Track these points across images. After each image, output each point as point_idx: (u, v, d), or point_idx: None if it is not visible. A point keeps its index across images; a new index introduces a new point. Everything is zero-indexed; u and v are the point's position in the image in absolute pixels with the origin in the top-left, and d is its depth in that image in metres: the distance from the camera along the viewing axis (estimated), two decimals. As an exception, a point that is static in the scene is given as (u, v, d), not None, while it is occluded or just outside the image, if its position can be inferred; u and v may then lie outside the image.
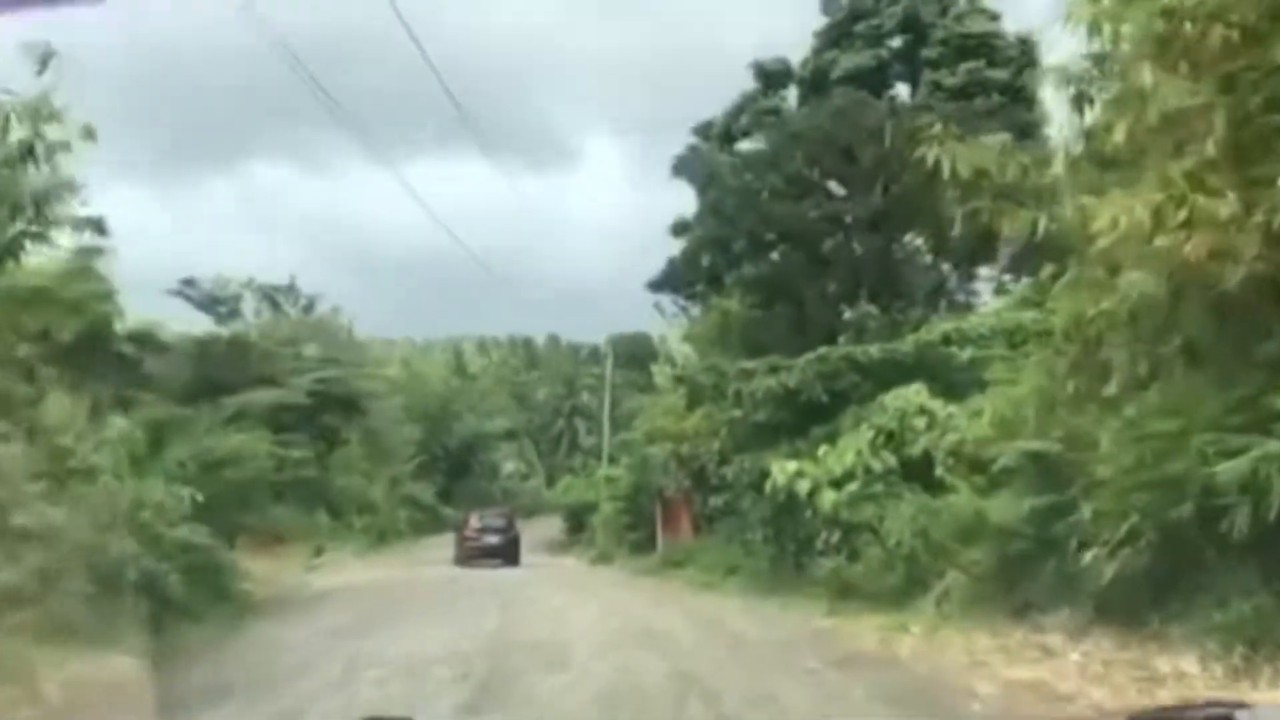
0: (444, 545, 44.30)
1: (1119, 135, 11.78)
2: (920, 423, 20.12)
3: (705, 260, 32.44)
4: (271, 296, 47.32)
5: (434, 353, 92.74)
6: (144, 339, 22.12)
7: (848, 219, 28.10)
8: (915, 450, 19.90)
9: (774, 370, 23.34)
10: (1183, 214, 9.78)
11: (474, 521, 38.98)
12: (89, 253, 22.35)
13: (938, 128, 13.39)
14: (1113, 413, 12.51)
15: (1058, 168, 13.05)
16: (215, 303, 46.54)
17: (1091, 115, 12.94)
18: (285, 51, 19.66)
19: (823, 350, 22.71)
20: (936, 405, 20.36)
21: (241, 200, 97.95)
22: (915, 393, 20.59)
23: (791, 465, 20.48)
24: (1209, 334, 11.41)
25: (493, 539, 36.79)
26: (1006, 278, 29.86)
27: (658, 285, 46.05)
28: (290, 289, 48.39)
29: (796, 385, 22.65)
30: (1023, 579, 15.30)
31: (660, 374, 55.51)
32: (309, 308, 48.42)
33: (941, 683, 11.29)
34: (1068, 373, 14.17)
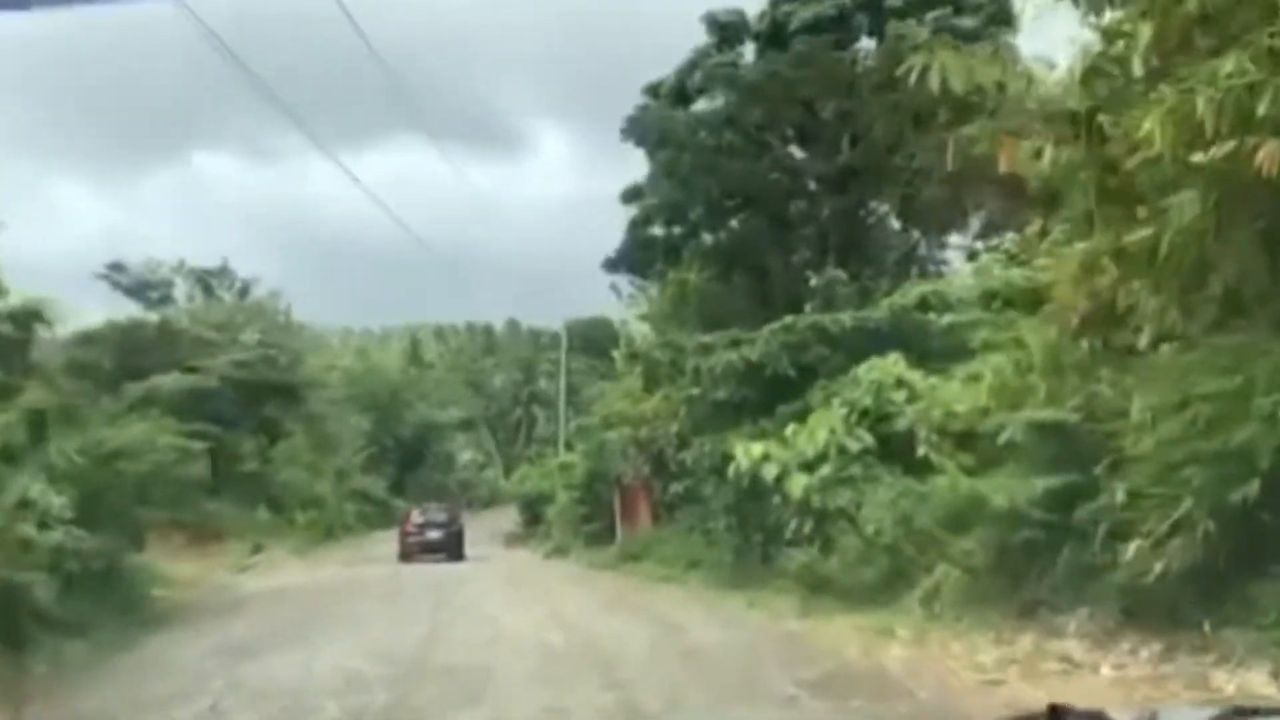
0: (393, 540, 41.82)
1: (1143, 37, 9.64)
2: (899, 396, 17.93)
3: (659, 229, 30.13)
4: (204, 280, 44.51)
5: (390, 342, 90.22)
6: (27, 319, 19.46)
7: (812, 179, 25.90)
8: (894, 427, 17.71)
9: (735, 344, 21.11)
10: (1265, 103, 7.55)
11: (415, 516, 37.65)
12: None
13: (925, 36, 11.08)
14: (1143, 373, 10.33)
15: (1071, 77, 10.78)
16: (145, 288, 43.71)
17: (1110, 16, 10.72)
18: (217, 41, 17.20)
19: (788, 320, 20.47)
20: (916, 377, 18.19)
21: (184, 192, 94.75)
22: (893, 363, 18.41)
23: (757, 447, 18.23)
24: (1267, 271, 9.23)
25: (434, 534, 35.44)
26: (978, 244, 27.84)
27: (613, 265, 44.18)
28: (224, 271, 45.65)
29: (760, 359, 20.42)
30: (1029, 573, 13.14)
31: (619, 357, 53.39)
32: (245, 291, 45.63)
33: (957, 713, 9.07)
34: (1079, 329, 12.02)
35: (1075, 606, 11.94)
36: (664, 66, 28.75)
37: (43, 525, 15.31)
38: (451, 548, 34.68)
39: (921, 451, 16.71)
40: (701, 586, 21.11)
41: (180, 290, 44.93)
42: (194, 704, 10.16)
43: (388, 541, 41.09)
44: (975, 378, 14.10)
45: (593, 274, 36.93)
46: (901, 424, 17.51)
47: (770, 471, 17.87)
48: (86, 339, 39.90)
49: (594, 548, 32.13)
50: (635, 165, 30.60)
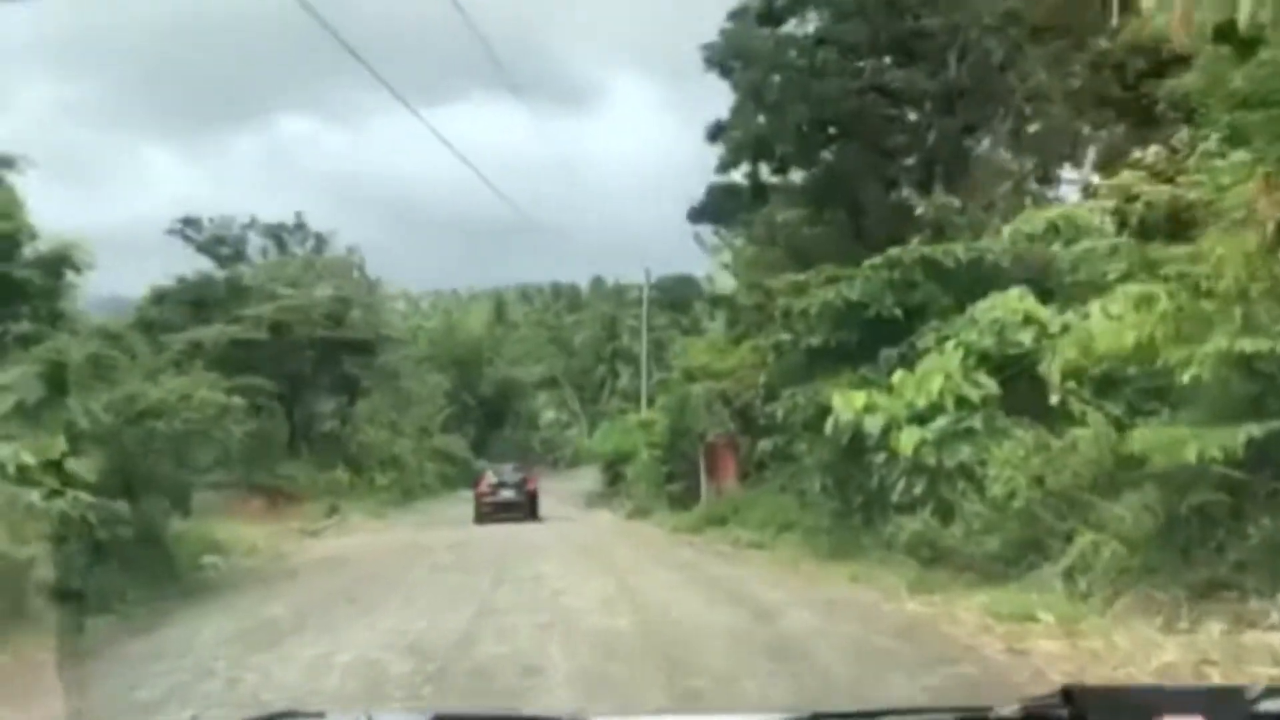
0: (472, 501, 40.41)
1: None
2: (1025, 336, 15.27)
3: (745, 168, 27.54)
4: (277, 235, 43.02)
5: (476, 304, 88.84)
6: (56, 265, 17.70)
7: (915, 102, 23.10)
8: (1021, 372, 15.09)
9: (832, 281, 18.56)
10: None
11: (489, 477, 36.52)
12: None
13: None
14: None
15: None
16: (218, 244, 42.38)
17: None
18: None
19: (892, 252, 17.81)
20: (1045, 313, 15.52)
21: (268, 155, 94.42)
22: (1017, 298, 15.73)
23: (859, 397, 15.70)
24: None
25: (508, 494, 34.53)
26: (1094, 178, 24.79)
27: (697, 214, 42.16)
28: (298, 227, 44.11)
29: (860, 298, 17.86)
30: (1204, 545, 10.58)
31: (703, 308, 50.98)
32: (319, 247, 44.05)
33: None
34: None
35: (1276, 589, 9.38)
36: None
37: (53, 492, 13.50)
38: (525, 508, 33.65)
39: (1055, 399, 14.10)
40: (795, 555, 18.74)
41: (254, 246, 43.59)
42: (170, 714, 8.16)
43: (466, 502, 39.49)
44: (1142, 302, 11.38)
45: (678, 230, 34.78)
46: (1029, 368, 14.89)
47: (875, 425, 15.37)
48: (159, 297, 38.83)
49: (677, 509, 29.94)
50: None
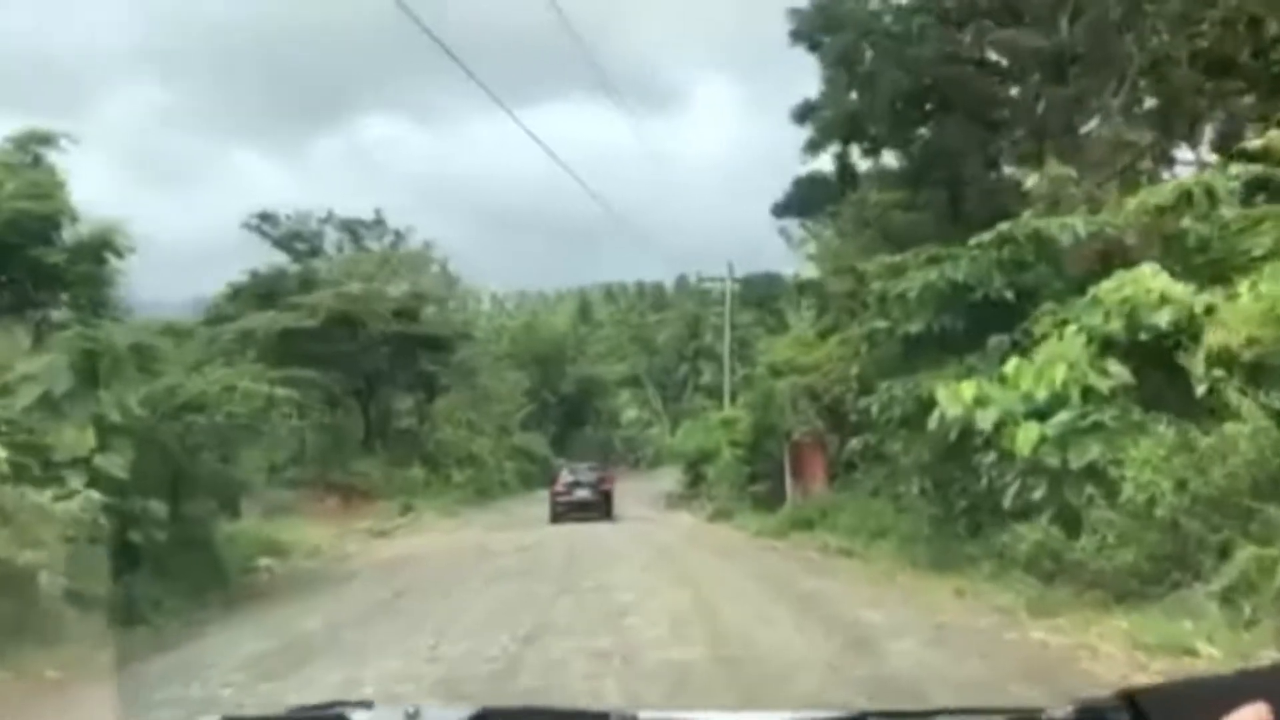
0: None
1: None
2: (1162, 319, 13.18)
3: (835, 145, 25.62)
4: (353, 230, 42.09)
5: (561, 304, 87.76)
6: (97, 250, 16.52)
7: (1022, 69, 20.97)
8: (1157, 360, 13.04)
9: (934, 261, 16.59)
10: None
11: (564, 476, 35.56)
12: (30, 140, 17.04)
13: None
14: None
15: None
16: (294, 239, 41.61)
17: None
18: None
19: (1003, 227, 15.78)
20: (1183, 292, 13.41)
21: (353, 156, 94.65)
22: (1150, 276, 13.63)
23: (968, 389, 13.76)
24: None
25: (583, 493, 33.61)
26: (1212, 158, 22.41)
27: (783, 209, 40.57)
28: (376, 223, 43.11)
29: (966, 279, 15.88)
30: None
31: (789, 300, 49.00)
32: (396, 243, 43.04)
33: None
34: None
35: None
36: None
37: (69, 492, 12.18)
38: (600, 508, 32.79)
39: (1201, 390, 12.05)
40: (890, 565, 16.84)
41: (331, 242, 42.74)
42: None
43: (545, 502, 38.14)
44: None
45: (763, 228, 33.09)
46: (1167, 355, 12.84)
47: (987, 420, 13.40)
48: (234, 293, 38.12)
49: (761, 511, 28.08)
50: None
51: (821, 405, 26.82)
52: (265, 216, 40.68)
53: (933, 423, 14.22)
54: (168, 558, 15.08)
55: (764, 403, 28.72)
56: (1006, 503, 14.16)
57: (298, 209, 41.57)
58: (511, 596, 13.73)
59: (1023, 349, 14.86)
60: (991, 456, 14.37)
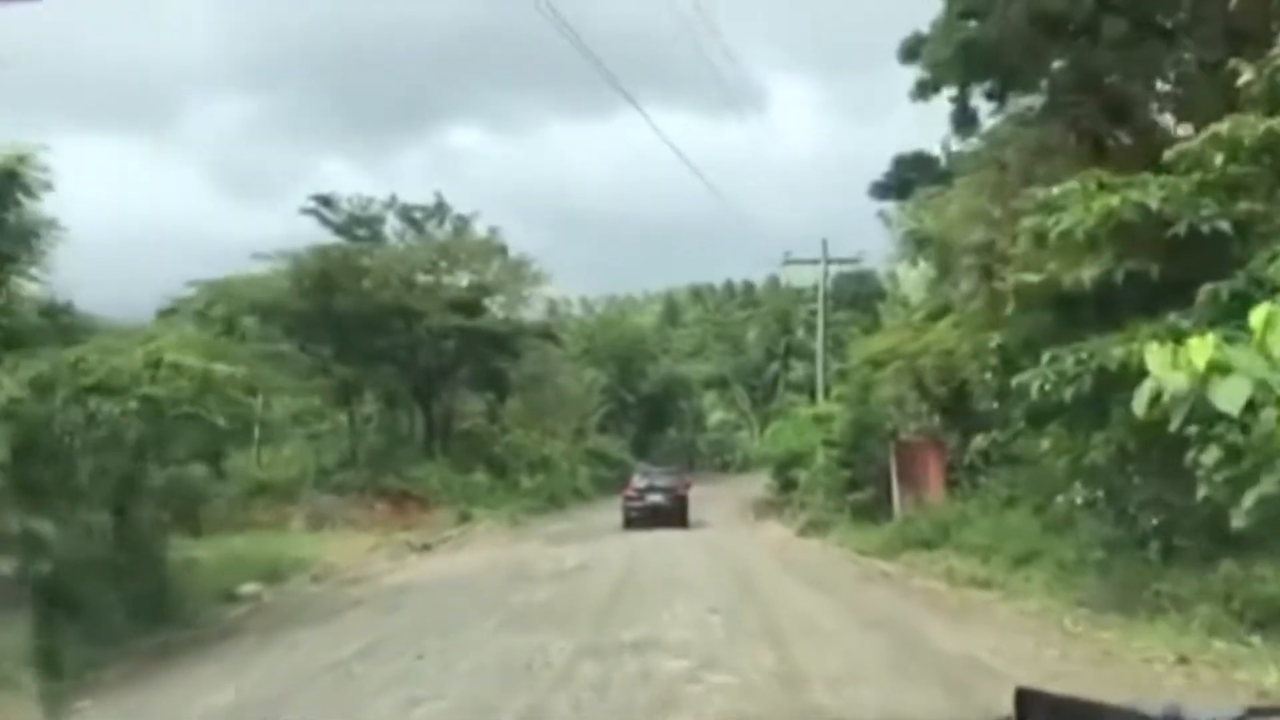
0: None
1: None
2: None
3: (951, 84, 20.87)
4: (412, 218, 38.28)
5: (649, 305, 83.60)
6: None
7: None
8: None
9: (1108, 190, 11.86)
10: None
11: (637, 480, 32.65)
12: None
13: None
14: None
15: None
16: (354, 224, 37.85)
17: None
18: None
19: (1220, 127, 10.99)
20: None
21: (439, 163, 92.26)
22: None
23: (1199, 349, 9.04)
24: None
25: (657, 498, 30.62)
26: None
27: (881, 190, 35.27)
28: (439, 208, 39.22)
29: (1162, 207, 11.15)
30: None
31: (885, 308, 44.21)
32: (461, 229, 39.06)
33: None
34: None
35: None
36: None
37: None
38: (676, 514, 29.88)
39: None
40: (1049, 604, 12.18)
41: (392, 229, 38.90)
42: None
43: (618, 509, 34.02)
44: None
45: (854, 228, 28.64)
46: None
47: (1233, 397, 8.67)
48: (278, 276, 34.43)
49: (863, 524, 23.40)
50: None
51: (935, 397, 22.14)
52: (325, 200, 36.97)
53: (1140, 403, 9.47)
54: (84, 588, 11.13)
55: (863, 396, 24.05)
56: (1240, 520, 9.43)
57: (359, 193, 37.76)
58: (516, 657, 9.37)
59: (1246, 301, 10.14)
60: (1213, 453, 9.67)
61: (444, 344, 36.44)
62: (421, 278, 36.87)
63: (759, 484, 47.48)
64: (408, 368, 35.81)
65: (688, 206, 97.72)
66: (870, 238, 36.11)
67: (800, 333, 68.79)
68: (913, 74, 21.97)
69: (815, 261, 35.16)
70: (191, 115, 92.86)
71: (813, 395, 36.28)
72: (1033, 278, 12.85)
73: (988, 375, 14.65)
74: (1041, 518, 15.90)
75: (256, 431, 35.27)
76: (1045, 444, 14.60)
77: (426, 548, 24.74)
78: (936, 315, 24.25)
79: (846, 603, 13.09)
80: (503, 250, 39.61)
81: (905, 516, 21.38)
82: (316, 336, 32.79)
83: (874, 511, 24.06)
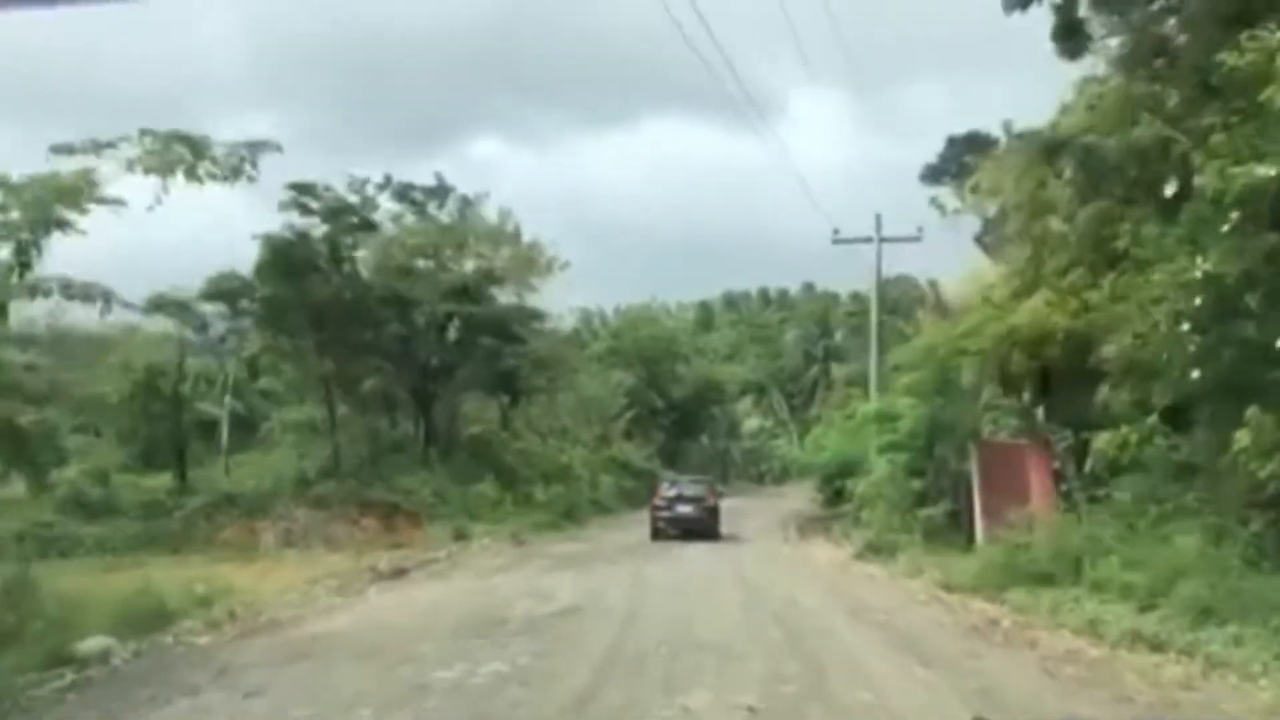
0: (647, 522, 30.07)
1: None
2: None
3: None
4: (411, 197, 33.55)
5: (683, 313, 78.86)
6: None
7: None
8: None
9: None
10: None
11: (664, 489, 29.15)
12: None
13: None
14: None
15: None
16: (342, 211, 33.09)
17: None
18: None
19: None
20: None
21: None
22: None
23: None
24: None
25: (685, 509, 27.64)
26: None
27: (934, 173, 32.41)
28: (440, 189, 34.47)
29: None
30: None
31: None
32: (467, 211, 34.32)
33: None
34: None
35: None
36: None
37: None
38: (705, 526, 27.14)
39: None
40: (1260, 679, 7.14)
41: (387, 212, 34.12)
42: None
43: (641, 524, 29.26)
44: None
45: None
46: None
47: None
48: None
49: (937, 546, 18.36)
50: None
51: (1041, 387, 17.13)
52: (304, 188, 31.78)
53: None
54: None
55: (938, 387, 19.01)
56: None
57: (349, 174, 33.04)
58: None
59: None
60: None
61: (444, 337, 31.76)
62: (421, 263, 32.21)
63: (799, 496, 42.44)
64: (403, 364, 31.09)
65: (716, 216, 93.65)
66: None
67: (839, 336, 63.71)
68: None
69: (868, 240, 30.03)
70: (213, 130, 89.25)
71: (865, 390, 31.08)
72: (1270, 169, 7.80)
73: (1183, 328, 9.55)
74: (1216, 545, 10.90)
75: (224, 435, 30.95)
76: (1242, 439, 9.61)
77: (400, 574, 19.87)
78: (1022, 291, 19.21)
79: (968, 687, 8.05)
80: (515, 235, 34.90)
81: (997, 538, 16.22)
82: (292, 328, 28.14)
83: (949, 531, 19.01)
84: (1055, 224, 17.97)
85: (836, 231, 30.30)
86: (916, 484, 19.54)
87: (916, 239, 30.94)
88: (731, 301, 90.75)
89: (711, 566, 19.89)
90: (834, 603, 14.06)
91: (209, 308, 27.31)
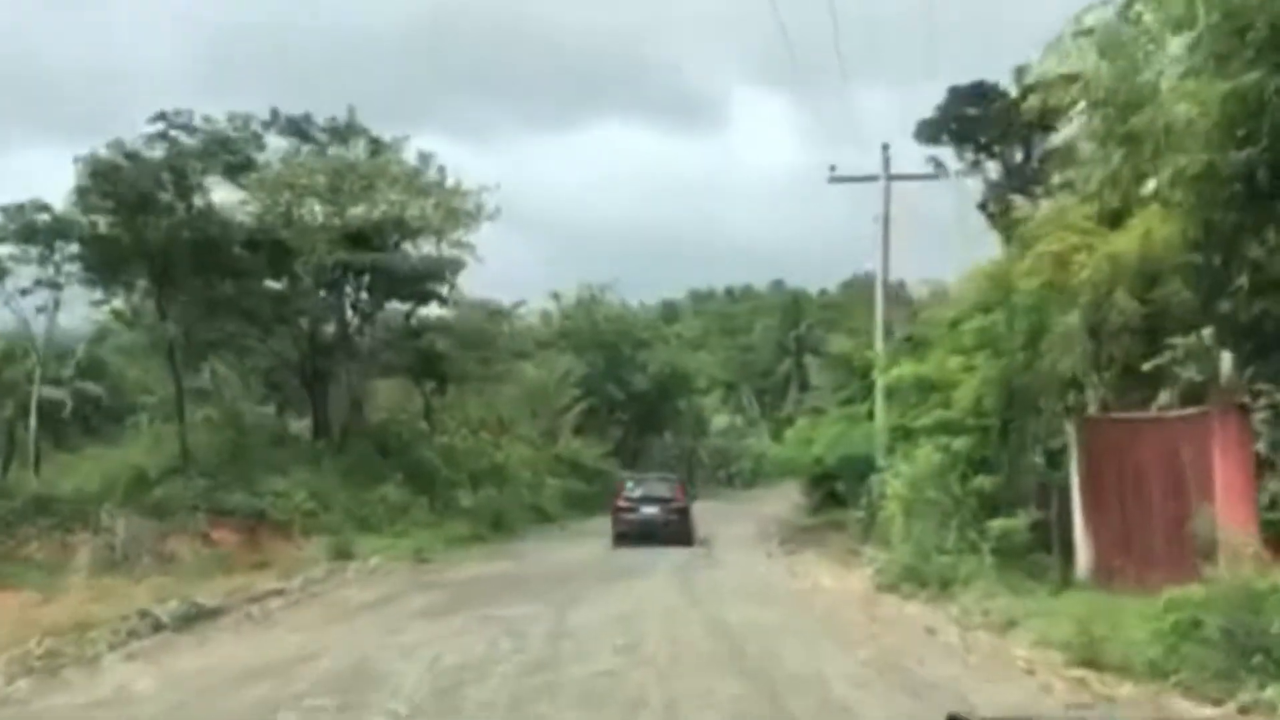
0: (604, 534, 24.30)
1: None
2: None
3: None
4: (304, 132, 26.31)
5: (646, 311, 72.08)
6: None
7: None
8: None
9: None
10: None
11: (629, 488, 25.35)
12: None
13: None
14: None
15: None
16: (222, 147, 25.69)
17: None
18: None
19: None
20: None
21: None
22: None
23: None
24: None
25: (652, 510, 23.88)
26: None
27: (932, 129, 28.78)
28: (350, 127, 27.21)
29: None
30: None
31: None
32: (380, 152, 27.04)
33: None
34: None
35: None
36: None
37: None
38: (675, 530, 23.26)
39: None
40: None
41: (277, 153, 26.82)
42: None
43: (592, 536, 22.55)
44: None
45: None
46: None
47: None
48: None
49: (1014, 575, 11.63)
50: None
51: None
52: (171, 119, 23.99)
53: None
54: None
55: (1029, 338, 12.19)
56: None
57: (230, 110, 25.59)
58: None
59: None
60: None
61: (339, 299, 24.72)
62: (318, 208, 25.13)
63: (775, 500, 35.76)
64: (284, 332, 24.00)
65: (664, 215, 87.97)
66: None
67: (813, 331, 57.01)
68: None
69: (872, 178, 23.22)
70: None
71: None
72: None
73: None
74: None
75: (31, 423, 23.44)
76: None
77: (213, 615, 12.84)
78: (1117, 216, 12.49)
79: None
80: (439, 183, 27.70)
81: (1112, 573, 9.42)
82: (130, 279, 20.98)
83: (1031, 554, 12.28)
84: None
85: (833, 168, 23.48)
86: (983, 482, 12.70)
87: (933, 176, 24.52)
88: (699, 298, 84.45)
89: (675, 607, 12.99)
90: (909, 706, 7.18)
91: (4, 250, 20.01)
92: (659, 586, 15.52)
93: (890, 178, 23.36)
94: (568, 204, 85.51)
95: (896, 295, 53.29)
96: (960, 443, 12.85)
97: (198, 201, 21.03)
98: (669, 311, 76.55)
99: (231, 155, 24.08)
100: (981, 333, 12.54)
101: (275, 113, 26.48)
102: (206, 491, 20.72)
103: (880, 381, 17.84)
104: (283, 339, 24.23)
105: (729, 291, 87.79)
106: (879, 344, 22.31)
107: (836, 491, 25.23)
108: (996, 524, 12.41)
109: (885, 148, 23.26)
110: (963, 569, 12.55)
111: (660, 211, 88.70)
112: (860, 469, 20.72)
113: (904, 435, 15.79)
